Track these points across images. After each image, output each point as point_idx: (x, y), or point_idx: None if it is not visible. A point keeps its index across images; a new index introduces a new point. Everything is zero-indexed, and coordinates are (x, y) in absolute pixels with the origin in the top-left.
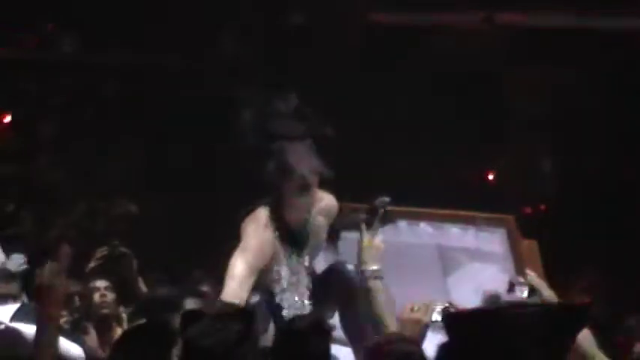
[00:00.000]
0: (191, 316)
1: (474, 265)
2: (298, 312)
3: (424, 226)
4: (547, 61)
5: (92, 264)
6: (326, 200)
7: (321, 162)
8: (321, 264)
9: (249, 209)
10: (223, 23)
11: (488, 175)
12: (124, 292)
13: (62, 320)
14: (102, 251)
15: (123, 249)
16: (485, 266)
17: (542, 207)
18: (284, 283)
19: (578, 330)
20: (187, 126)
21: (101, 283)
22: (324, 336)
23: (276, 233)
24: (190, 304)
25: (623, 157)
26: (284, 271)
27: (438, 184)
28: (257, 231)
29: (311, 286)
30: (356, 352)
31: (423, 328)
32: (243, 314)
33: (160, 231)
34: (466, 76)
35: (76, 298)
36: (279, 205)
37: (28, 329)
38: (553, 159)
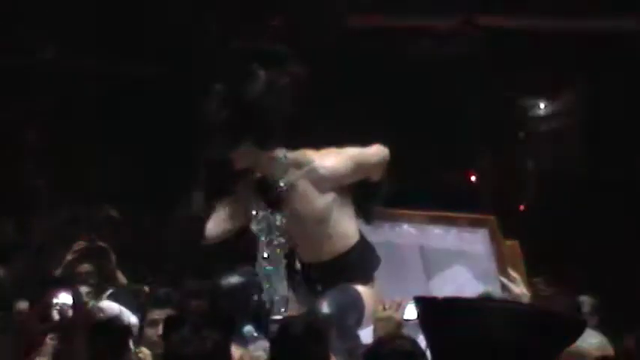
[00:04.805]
0: (173, 322)
1: (457, 266)
2: None
3: (407, 228)
4: (527, 62)
5: (69, 257)
6: None
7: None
8: None
9: None
10: (202, 30)
11: (470, 176)
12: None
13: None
14: (79, 244)
15: (101, 243)
16: (467, 267)
17: (523, 207)
18: None
19: (566, 345)
20: (168, 132)
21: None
22: (320, 340)
23: None
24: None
25: (604, 156)
26: None
27: (420, 186)
28: None
29: None
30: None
31: (396, 325)
32: (223, 323)
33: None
34: (446, 78)
35: None
36: None
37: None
38: (534, 160)
